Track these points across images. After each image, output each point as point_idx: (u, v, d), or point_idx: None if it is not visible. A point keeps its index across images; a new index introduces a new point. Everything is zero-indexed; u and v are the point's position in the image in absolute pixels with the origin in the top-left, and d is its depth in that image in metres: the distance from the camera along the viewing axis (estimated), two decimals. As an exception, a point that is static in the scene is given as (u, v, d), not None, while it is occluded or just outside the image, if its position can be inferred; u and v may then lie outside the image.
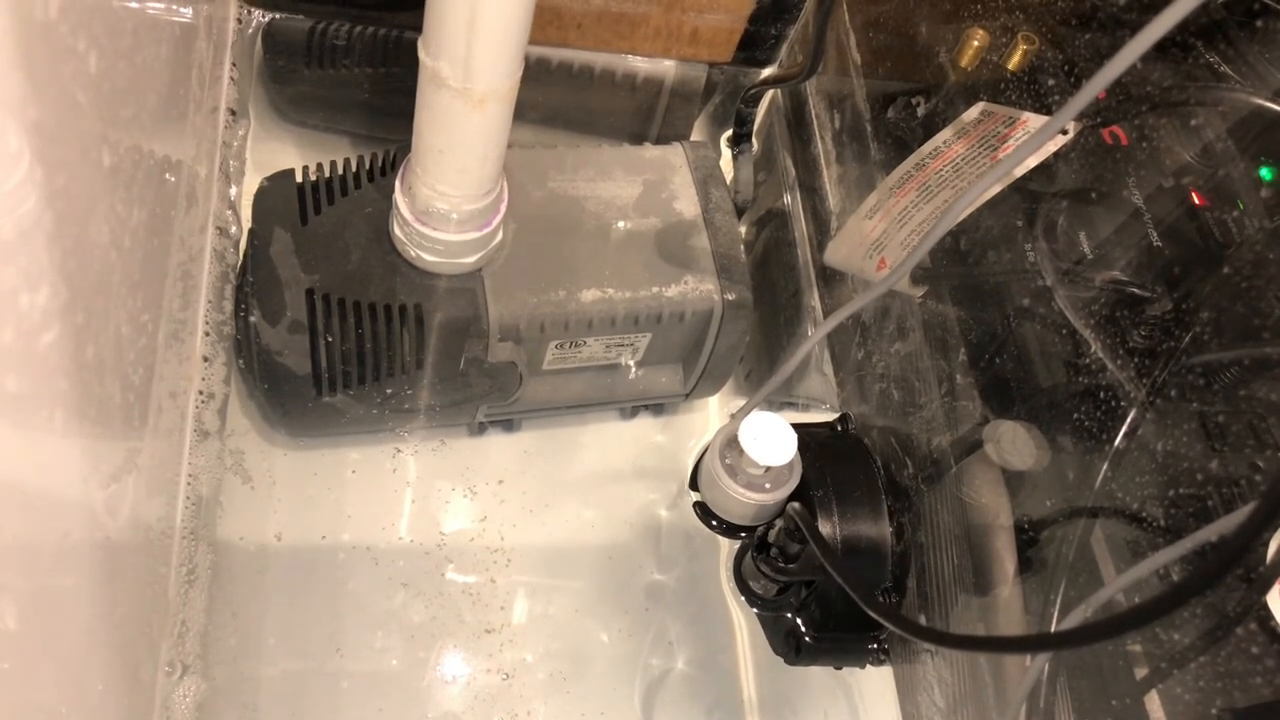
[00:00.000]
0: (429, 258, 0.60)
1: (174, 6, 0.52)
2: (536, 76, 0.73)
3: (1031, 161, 0.55)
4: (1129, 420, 0.51)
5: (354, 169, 0.64)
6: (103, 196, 0.36)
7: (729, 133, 0.72)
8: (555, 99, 0.75)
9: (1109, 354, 0.52)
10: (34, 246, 0.29)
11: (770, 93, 0.84)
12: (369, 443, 0.70)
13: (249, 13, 0.73)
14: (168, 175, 0.49)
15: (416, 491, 0.70)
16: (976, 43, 0.63)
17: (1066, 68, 0.60)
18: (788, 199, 0.79)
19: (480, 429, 0.72)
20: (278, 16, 0.74)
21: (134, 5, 0.40)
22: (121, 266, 0.39)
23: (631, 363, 0.70)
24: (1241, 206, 0.51)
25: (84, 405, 0.36)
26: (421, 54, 0.50)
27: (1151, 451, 0.49)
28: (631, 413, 0.76)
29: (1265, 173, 0.50)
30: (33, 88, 0.27)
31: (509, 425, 0.73)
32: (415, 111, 0.53)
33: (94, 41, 0.33)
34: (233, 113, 0.69)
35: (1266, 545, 0.40)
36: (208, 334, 0.62)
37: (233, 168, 0.70)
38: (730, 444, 0.57)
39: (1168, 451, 0.49)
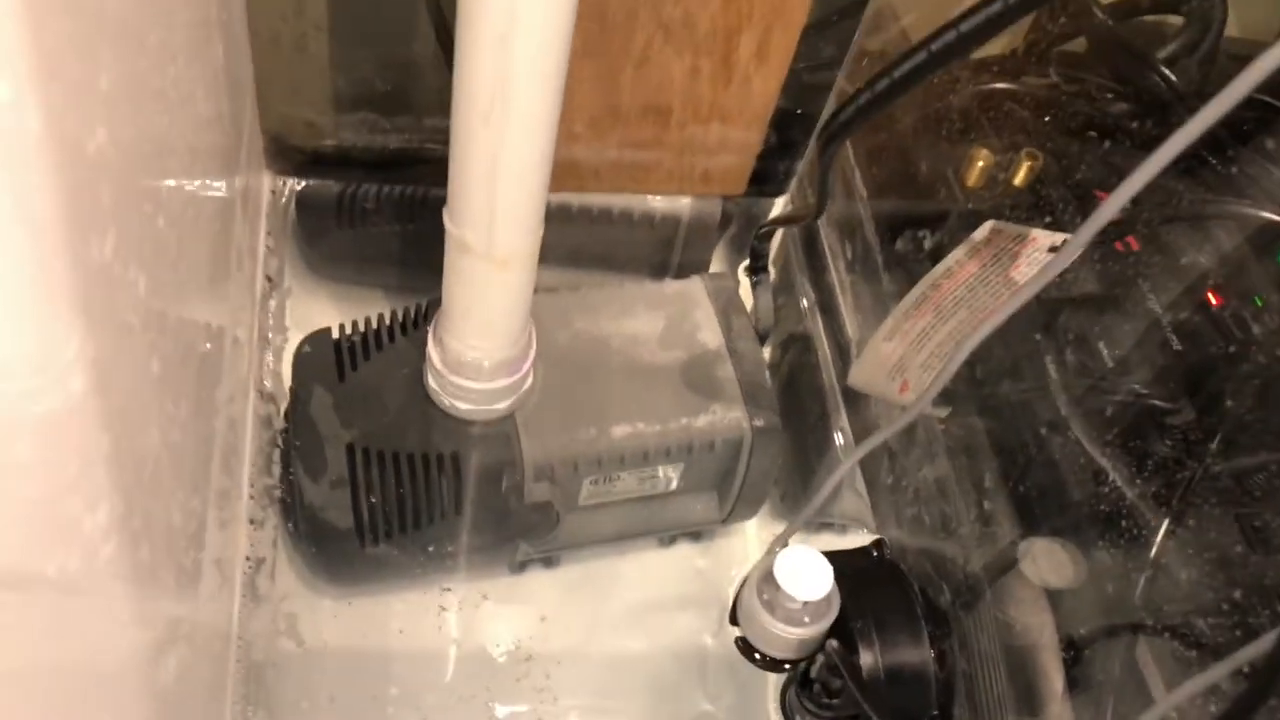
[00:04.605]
0: (463, 405, 0.61)
1: (212, 191, 0.54)
2: (557, 220, 0.75)
3: (1044, 281, 0.56)
4: (1163, 531, 0.50)
5: (388, 323, 0.66)
6: (153, 404, 0.38)
7: (746, 262, 0.74)
8: (576, 240, 0.78)
9: (1127, 474, 0.52)
10: (94, 474, 0.31)
11: (782, 227, 0.86)
12: (414, 596, 0.71)
13: (283, 183, 0.77)
14: (209, 354, 0.52)
15: (461, 647, 0.70)
16: (981, 162, 0.65)
17: (1072, 181, 0.61)
18: (808, 323, 0.80)
19: (521, 567, 0.73)
20: (309, 183, 0.78)
21: (176, 211, 0.42)
22: (171, 463, 0.41)
23: (666, 493, 0.70)
24: (1259, 302, 0.51)
25: (140, 600, 0.38)
26: (447, 223, 0.53)
27: (1190, 561, 0.49)
28: (670, 540, 0.77)
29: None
30: (91, 329, 0.29)
31: (549, 561, 0.74)
32: (444, 273, 0.56)
33: (143, 266, 0.35)
34: (269, 280, 0.72)
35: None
36: (252, 498, 0.64)
37: (273, 333, 0.72)
38: (767, 579, 0.57)
39: (1207, 560, 0.49)
